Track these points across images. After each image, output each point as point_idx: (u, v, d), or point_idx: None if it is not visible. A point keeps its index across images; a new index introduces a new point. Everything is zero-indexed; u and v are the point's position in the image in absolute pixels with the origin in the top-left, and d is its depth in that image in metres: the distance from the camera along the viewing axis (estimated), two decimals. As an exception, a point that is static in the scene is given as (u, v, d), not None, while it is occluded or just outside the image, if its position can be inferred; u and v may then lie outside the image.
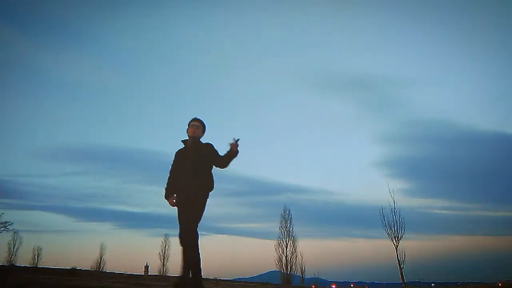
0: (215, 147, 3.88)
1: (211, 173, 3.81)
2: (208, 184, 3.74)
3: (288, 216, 31.68)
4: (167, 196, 3.82)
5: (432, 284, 33.49)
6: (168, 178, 3.89)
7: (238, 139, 3.60)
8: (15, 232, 34.38)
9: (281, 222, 31.51)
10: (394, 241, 21.52)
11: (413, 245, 49.55)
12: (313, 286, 34.72)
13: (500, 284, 20.19)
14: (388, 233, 21.81)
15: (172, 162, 3.92)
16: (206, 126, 3.98)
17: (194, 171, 3.68)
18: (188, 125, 3.92)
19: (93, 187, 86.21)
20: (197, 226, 3.59)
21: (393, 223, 21.77)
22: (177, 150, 3.93)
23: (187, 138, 3.90)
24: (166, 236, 40.16)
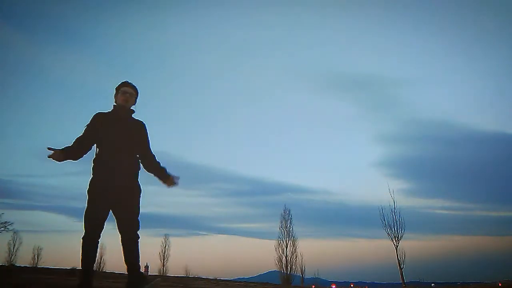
0: (147, 132, 3.12)
1: (137, 158, 3.07)
2: (135, 170, 3.02)
3: (288, 216, 31.61)
4: (63, 149, 2.83)
5: (432, 284, 33.47)
6: (76, 140, 2.94)
7: (177, 180, 3.11)
8: (15, 232, 34.17)
9: (281, 222, 31.45)
10: (394, 241, 21.53)
11: (413, 245, 49.66)
12: (313, 286, 34.68)
13: (500, 284, 20.17)
14: (388, 233, 21.81)
15: (86, 126, 2.98)
16: (139, 95, 3.18)
17: (122, 148, 2.91)
18: (117, 90, 3.09)
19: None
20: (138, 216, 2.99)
21: (393, 223, 21.76)
22: (97, 113, 3.03)
23: (114, 108, 3.06)
24: (166, 236, 40.14)
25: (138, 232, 2.99)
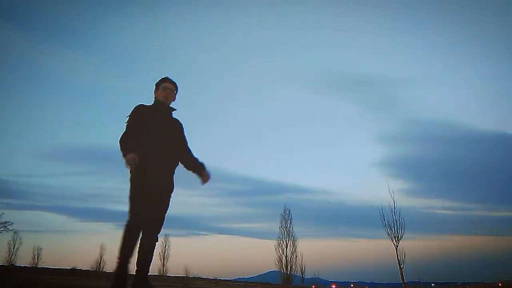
0: (184, 132, 3.11)
1: (177, 155, 3.00)
2: (174, 167, 2.95)
3: (288, 216, 31.61)
4: (129, 149, 2.62)
5: (432, 284, 33.44)
6: (124, 134, 2.81)
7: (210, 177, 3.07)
8: (15, 232, 34.21)
9: (281, 222, 31.45)
10: (394, 241, 21.49)
11: (413, 245, 49.65)
12: (313, 286, 34.67)
13: (500, 284, 20.15)
14: (388, 233, 21.78)
15: (128, 118, 2.86)
16: (178, 92, 3.14)
17: (165, 143, 2.84)
18: (157, 86, 3.05)
19: (94, 187, 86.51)
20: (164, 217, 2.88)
21: (393, 223, 21.73)
22: (138, 105, 2.93)
23: (155, 102, 3.00)
24: (166, 236, 40.15)
25: (158, 235, 2.85)
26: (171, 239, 39.90)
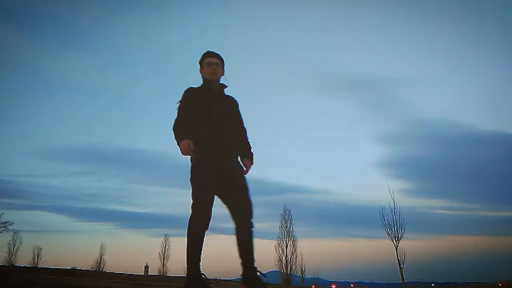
0: (240, 110, 2.82)
1: (236, 135, 2.71)
2: (237, 148, 2.69)
3: (288, 216, 31.66)
4: (182, 136, 2.41)
5: (432, 284, 33.44)
6: (177, 121, 2.57)
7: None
8: (15, 232, 34.33)
9: (281, 222, 31.50)
10: (394, 241, 21.56)
11: (413, 245, 49.62)
12: (313, 286, 34.68)
13: (500, 284, 20.16)
14: (388, 233, 21.85)
15: (178, 104, 2.64)
16: (225, 62, 2.81)
17: (222, 124, 2.58)
18: (201, 64, 2.79)
19: (94, 187, 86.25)
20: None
21: (393, 223, 21.81)
22: (188, 88, 2.71)
23: (204, 82, 2.75)
24: (166, 236, 40.20)
25: (251, 220, 2.57)
26: (171, 239, 39.99)
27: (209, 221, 2.45)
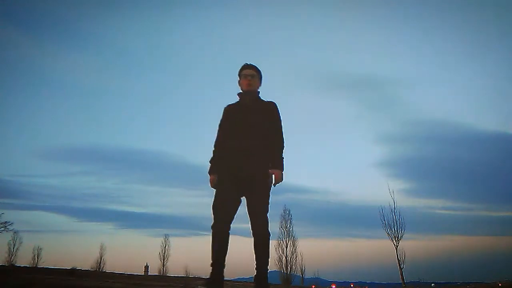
0: (279, 113, 2.90)
1: (267, 143, 2.78)
2: (262, 157, 2.73)
3: (288, 216, 31.65)
4: (210, 170, 2.80)
5: (432, 284, 33.44)
6: (215, 144, 2.90)
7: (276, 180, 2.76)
8: (15, 232, 34.30)
9: (281, 222, 31.48)
10: (394, 241, 21.49)
11: (413, 245, 49.48)
12: (313, 286, 34.71)
13: (500, 284, 20.16)
14: (388, 233, 21.80)
15: (219, 123, 2.93)
16: (262, 74, 2.99)
17: (250, 132, 2.74)
18: (239, 76, 2.97)
19: (94, 187, 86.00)
20: (267, 211, 2.68)
21: (393, 223, 21.74)
22: (226, 106, 2.97)
23: (239, 95, 2.96)
24: (166, 236, 40.23)
25: (267, 230, 2.66)
26: (171, 239, 40.05)
27: (225, 223, 2.62)
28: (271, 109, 2.88)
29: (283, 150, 2.82)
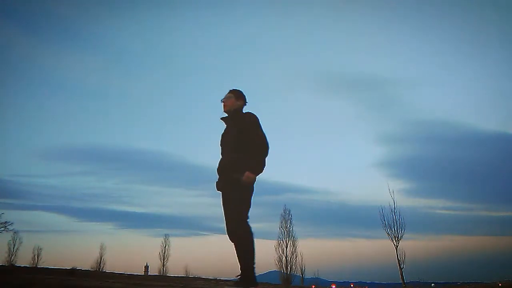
0: (253, 122, 3.01)
1: (242, 154, 2.94)
2: (235, 167, 2.90)
3: (288, 216, 31.69)
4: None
5: (432, 284, 33.46)
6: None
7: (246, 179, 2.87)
8: (15, 232, 34.39)
9: (281, 222, 31.51)
10: (394, 241, 21.56)
11: (413, 245, 49.57)
12: (313, 286, 34.72)
13: (500, 284, 20.19)
14: (388, 233, 21.85)
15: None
16: (241, 92, 3.19)
17: (225, 148, 3.09)
18: None
19: (94, 187, 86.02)
20: (243, 217, 2.88)
21: (393, 223, 21.80)
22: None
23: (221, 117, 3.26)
24: (166, 236, 40.31)
25: (243, 236, 2.87)
26: (171, 239, 40.14)
27: (228, 230, 2.92)
28: (245, 122, 3.02)
29: (263, 154, 2.93)
